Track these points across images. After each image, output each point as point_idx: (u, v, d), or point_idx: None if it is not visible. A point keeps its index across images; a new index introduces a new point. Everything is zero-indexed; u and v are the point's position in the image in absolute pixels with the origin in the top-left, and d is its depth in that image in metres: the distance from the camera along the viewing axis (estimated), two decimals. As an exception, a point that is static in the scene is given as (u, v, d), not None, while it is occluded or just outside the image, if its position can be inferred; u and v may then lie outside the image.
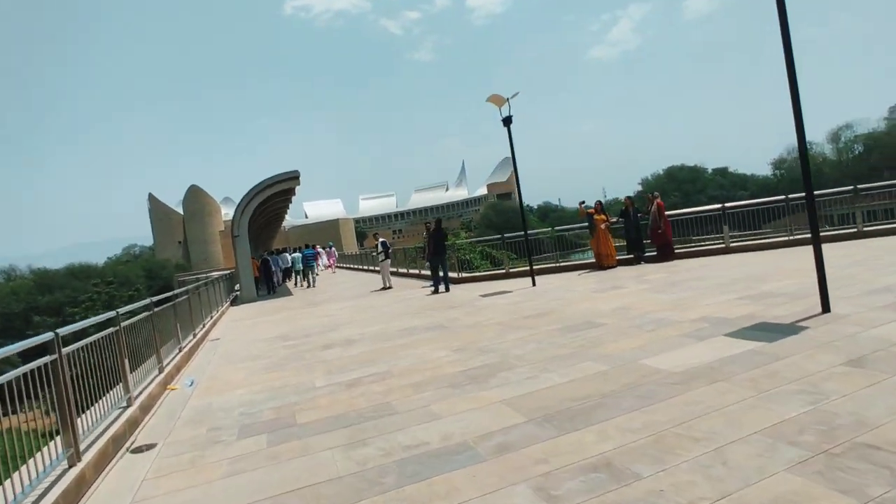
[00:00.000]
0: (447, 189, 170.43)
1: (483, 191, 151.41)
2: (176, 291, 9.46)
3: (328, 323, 11.23)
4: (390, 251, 17.77)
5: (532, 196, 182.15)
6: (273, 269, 25.39)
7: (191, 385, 6.96)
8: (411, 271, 21.10)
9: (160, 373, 7.03)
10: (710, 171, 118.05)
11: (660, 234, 13.54)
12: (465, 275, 14.45)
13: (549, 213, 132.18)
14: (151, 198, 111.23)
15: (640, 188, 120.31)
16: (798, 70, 5.62)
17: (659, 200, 13.82)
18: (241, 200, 21.61)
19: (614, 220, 14.52)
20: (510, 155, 11.93)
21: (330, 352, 7.99)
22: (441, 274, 12.86)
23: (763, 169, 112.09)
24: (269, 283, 24.47)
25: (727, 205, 13.86)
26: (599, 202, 14.57)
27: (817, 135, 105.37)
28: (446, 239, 14.07)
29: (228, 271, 26.44)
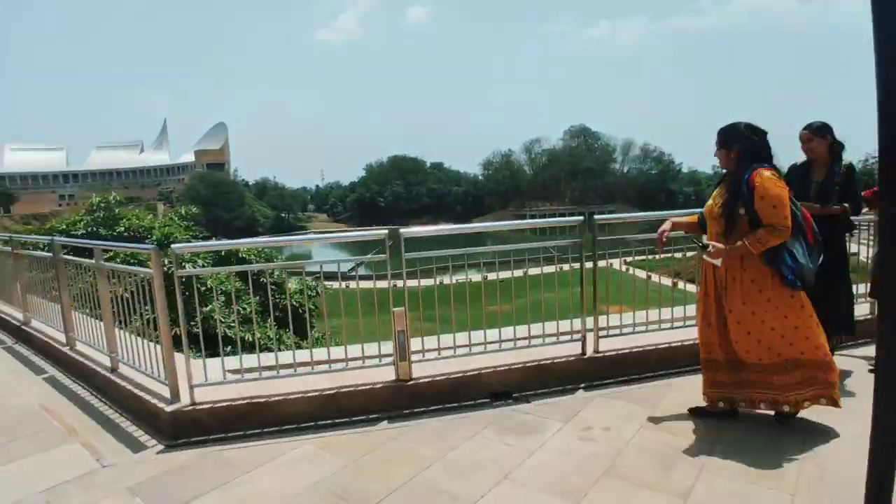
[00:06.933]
0: (142, 150, 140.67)
1: (189, 157, 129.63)
2: None
3: None
4: None
5: (247, 171, 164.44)
6: None
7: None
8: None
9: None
10: (428, 164, 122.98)
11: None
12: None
13: (267, 191, 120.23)
14: None
15: (363, 173, 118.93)
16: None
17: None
18: None
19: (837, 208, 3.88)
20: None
21: None
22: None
23: (474, 168, 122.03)
24: None
25: None
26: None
27: (515, 145, 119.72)
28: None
29: None
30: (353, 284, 4.75)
